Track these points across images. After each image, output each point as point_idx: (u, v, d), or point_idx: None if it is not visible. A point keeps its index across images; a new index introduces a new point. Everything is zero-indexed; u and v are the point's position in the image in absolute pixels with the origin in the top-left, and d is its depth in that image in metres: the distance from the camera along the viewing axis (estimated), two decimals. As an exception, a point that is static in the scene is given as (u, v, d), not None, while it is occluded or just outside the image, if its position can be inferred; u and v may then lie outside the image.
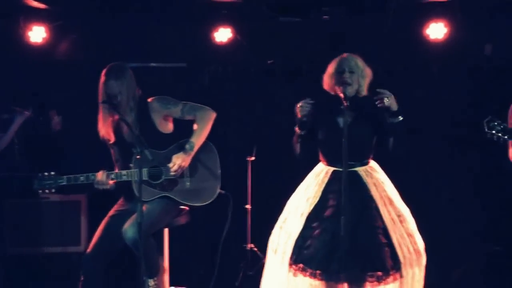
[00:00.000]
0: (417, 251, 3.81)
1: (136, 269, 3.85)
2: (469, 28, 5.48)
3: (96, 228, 4.13)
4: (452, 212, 5.69)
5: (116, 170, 4.13)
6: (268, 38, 5.77)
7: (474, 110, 5.50)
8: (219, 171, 4.22)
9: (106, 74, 4.05)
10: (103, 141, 4.16)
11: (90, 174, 4.05)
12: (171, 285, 4.43)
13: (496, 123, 3.76)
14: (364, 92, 3.95)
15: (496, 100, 5.16)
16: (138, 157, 3.76)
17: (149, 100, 4.17)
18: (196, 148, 4.13)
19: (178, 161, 4.08)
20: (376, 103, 3.74)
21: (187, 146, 4.11)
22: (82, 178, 4.04)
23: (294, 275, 3.76)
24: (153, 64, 5.85)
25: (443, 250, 5.38)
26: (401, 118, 3.77)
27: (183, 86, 5.67)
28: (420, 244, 3.87)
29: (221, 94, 5.83)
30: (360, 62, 3.93)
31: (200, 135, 4.14)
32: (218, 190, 4.19)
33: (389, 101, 3.73)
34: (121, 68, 4.09)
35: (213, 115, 4.20)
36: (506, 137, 3.76)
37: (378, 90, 3.75)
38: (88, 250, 4.07)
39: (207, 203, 4.19)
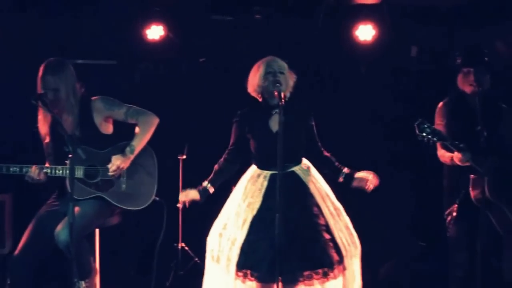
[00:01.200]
0: (353, 242, 3.90)
1: (67, 271, 3.77)
2: (396, 30, 5.61)
3: (22, 229, 4.03)
4: (378, 209, 5.74)
5: (46, 165, 4.05)
6: (200, 36, 5.76)
7: (401, 110, 5.67)
8: (156, 177, 4.21)
9: (43, 69, 3.97)
10: (41, 138, 4.09)
11: (24, 165, 3.95)
12: (101, 287, 4.34)
13: (426, 126, 3.86)
14: (288, 90, 3.97)
15: (422, 100, 5.41)
16: (70, 156, 3.66)
17: (92, 98, 4.12)
18: (136, 151, 4.11)
19: (117, 162, 4.05)
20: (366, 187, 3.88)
21: (127, 149, 4.08)
22: (15, 168, 3.93)
23: (243, 281, 3.73)
24: (80, 61, 5.63)
25: (370, 247, 5.50)
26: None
27: (113, 84, 5.47)
28: (355, 235, 3.95)
29: (152, 92, 5.75)
30: (285, 65, 3.96)
31: (141, 139, 4.12)
32: (154, 196, 4.18)
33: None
34: (59, 64, 4.02)
35: (156, 121, 4.19)
36: (435, 139, 3.88)
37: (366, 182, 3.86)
38: (16, 251, 3.96)
39: (141, 208, 4.17)
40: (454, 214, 4.11)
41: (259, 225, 3.79)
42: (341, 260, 3.77)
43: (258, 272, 3.68)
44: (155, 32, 5.61)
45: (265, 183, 3.90)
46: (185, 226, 5.43)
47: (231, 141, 4.08)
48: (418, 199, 5.71)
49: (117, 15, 5.47)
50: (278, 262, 3.50)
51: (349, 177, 3.92)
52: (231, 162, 4.06)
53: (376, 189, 5.46)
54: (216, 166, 4.05)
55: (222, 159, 4.07)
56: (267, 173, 3.93)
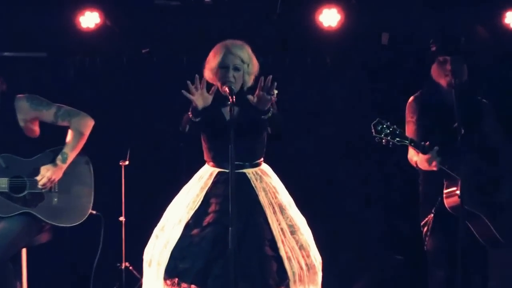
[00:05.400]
0: (311, 266, 3.80)
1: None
2: (364, 15, 5.61)
3: None
4: (353, 222, 5.82)
5: None
6: (142, 24, 5.70)
7: (370, 105, 5.64)
8: (93, 188, 4.21)
9: None
10: None
11: None
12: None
13: (384, 126, 3.82)
14: (250, 83, 3.92)
15: (392, 94, 5.47)
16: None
17: (17, 96, 4.08)
18: (69, 160, 4.10)
19: (48, 174, 4.02)
20: (260, 93, 3.63)
21: (59, 158, 4.07)
22: None
23: None
24: (6, 54, 5.63)
25: (344, 261, 5.53)
26: (269, 114, 3.73)
27: (43, 80, 5.54)
28: (316, 258, 3.87)
29: (88, 88, 5.70)
30: (246, 53, 3.88)
31: (75, 145, 4.11)
32: (90, 210, 4.17)
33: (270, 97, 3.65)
34: None
35: (91, 123, 4.19)
36: (395, 141, 3.82)
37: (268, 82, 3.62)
38: None
39: (76, 224, 4.15)
40: (431, 225, 4.09)
41: (193, 229, 3.75)
42: (284, 283, 3.68)
43: (184, 281, 3.64)
44: (89, 19, 5.54)
45: (210, 182, 3.85)
46: (129, 243, 5.36)
47: None
48: (394, 208, 5.73)
49: (46, 1, 5.41)
50: (232, 281, 3.37)
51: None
52: None
53: (347, 197, 5.82)
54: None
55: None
56: (215, 170, 3.87)
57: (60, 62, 5.77)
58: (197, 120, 3.73)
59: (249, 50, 3.90)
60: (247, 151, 3.84)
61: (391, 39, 5.68)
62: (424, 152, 3.90)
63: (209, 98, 3.70)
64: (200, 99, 3.67)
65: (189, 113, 3.73)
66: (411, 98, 4.24)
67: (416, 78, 5.22)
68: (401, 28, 5.65)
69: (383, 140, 3.80)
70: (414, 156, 4.07)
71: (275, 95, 3.64)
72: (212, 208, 3.77)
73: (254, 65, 3.91)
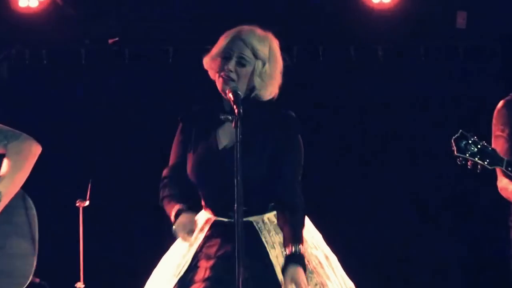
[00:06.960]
0: None
1: None
2: None
3: None
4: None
5: None
6: (109, 3, 5.80)
7: (442, 111, 5.81)
8: (36, 242, 4.11)
9: None
10: None
11: None
12: None
13: (469, 142, 3.75)
14: (269, 94, 3.78)
15: (473, 97, 5.66)
16: None
17: None
18: (6, 201, 4.00)
19: None
20: None
21: None
22: None
23: None
24: None
25: None
26: None
27: None
28: None
29: (30, 94, 5.82)
30: (265, 47, 3.75)
31: (13, 180, 4.01)
32: (31, 276, 4.04)
33: None
34: None
35: (36, 149, 4.11)
36: (485, 163, 3.75)
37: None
38: None
39: None
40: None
41: None
42: None
43: None
44: (31, -4, 5.45)
45: (202, 236, 3.75)
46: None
47: (173, 155, 3.87)
48: (474, 259, 5.86)
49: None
50: None
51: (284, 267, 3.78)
52: (177, 185, 3.88)
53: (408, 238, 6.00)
54: (165, 200, 3.80)
55: (163, 183, 3.84)
56: (210, 219, 3.79)
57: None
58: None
59: (274, 45, 3.79)
60: (249, 191, 3.63)
61: (470, 20, 5.76)
62: None
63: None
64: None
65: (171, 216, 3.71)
66: (500, 103, 4.15)
67: (506, 74, 5.54)
68: (483, 5, 5.75)
69: (469, 162, 3.73)
70: (511, 185, 4.00)
71: None
72: (200, 275, 3.66)
73: (274, 67, 3.79)
